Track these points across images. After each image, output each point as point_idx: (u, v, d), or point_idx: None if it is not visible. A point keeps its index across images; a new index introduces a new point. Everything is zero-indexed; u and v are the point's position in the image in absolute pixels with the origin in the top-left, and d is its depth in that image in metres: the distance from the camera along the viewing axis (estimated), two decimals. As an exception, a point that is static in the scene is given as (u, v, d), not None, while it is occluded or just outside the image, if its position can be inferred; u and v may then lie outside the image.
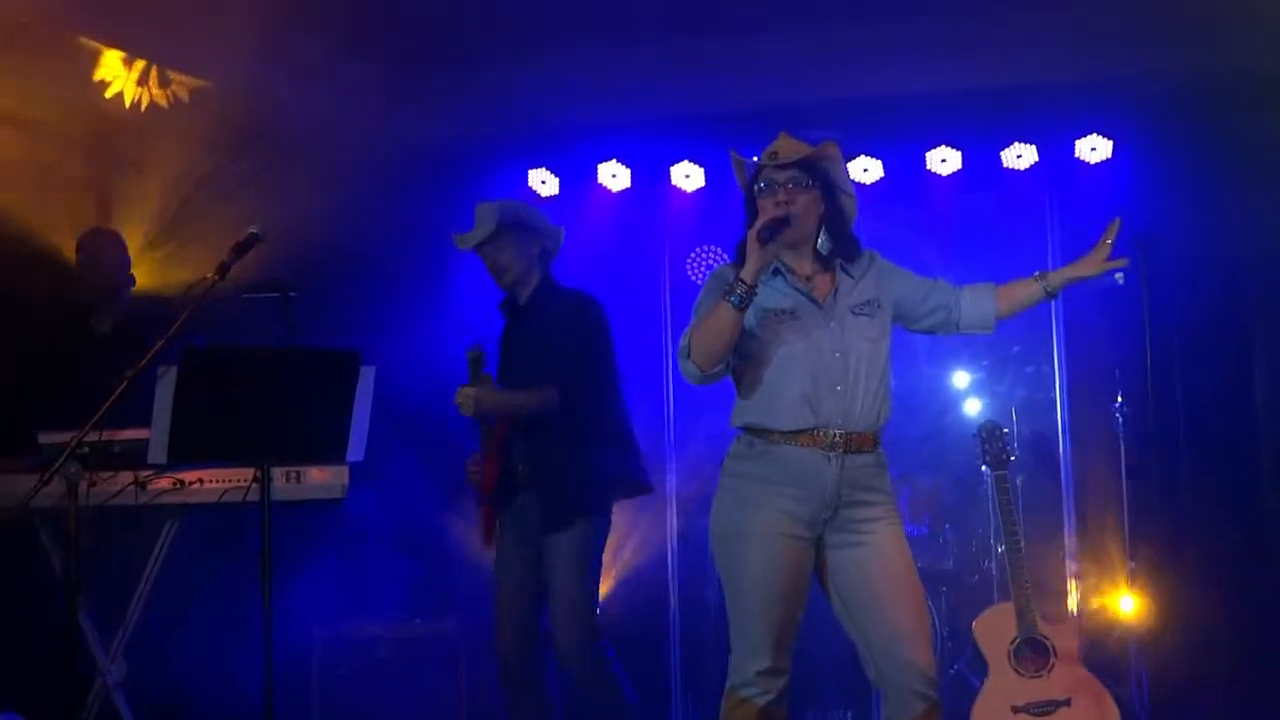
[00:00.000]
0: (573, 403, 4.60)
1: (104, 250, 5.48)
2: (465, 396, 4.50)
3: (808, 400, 3.62)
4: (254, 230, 4.36)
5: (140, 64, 5.76)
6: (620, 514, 4.89)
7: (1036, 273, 3.83)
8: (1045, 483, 6.13)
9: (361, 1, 5.50)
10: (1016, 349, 6.54)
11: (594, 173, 6.56)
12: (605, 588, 5.41)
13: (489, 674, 5.75)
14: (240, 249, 4.31)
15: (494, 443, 4.65)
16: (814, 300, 3.70)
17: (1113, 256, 3.75)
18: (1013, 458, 4.89)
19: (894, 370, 3.75)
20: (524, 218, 4.80)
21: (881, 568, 3.64)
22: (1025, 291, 3.83)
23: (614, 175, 6.55)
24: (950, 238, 6.28)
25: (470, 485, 4.75)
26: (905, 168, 6.40)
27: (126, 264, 5.53)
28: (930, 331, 3.91)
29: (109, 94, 5.75)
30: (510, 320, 4.87)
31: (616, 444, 4.79)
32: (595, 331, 4.77)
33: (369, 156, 6.30)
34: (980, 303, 3.83)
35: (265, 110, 5.74)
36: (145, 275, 5.73)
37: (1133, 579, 5.44)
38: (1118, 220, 3.73)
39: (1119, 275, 3.77)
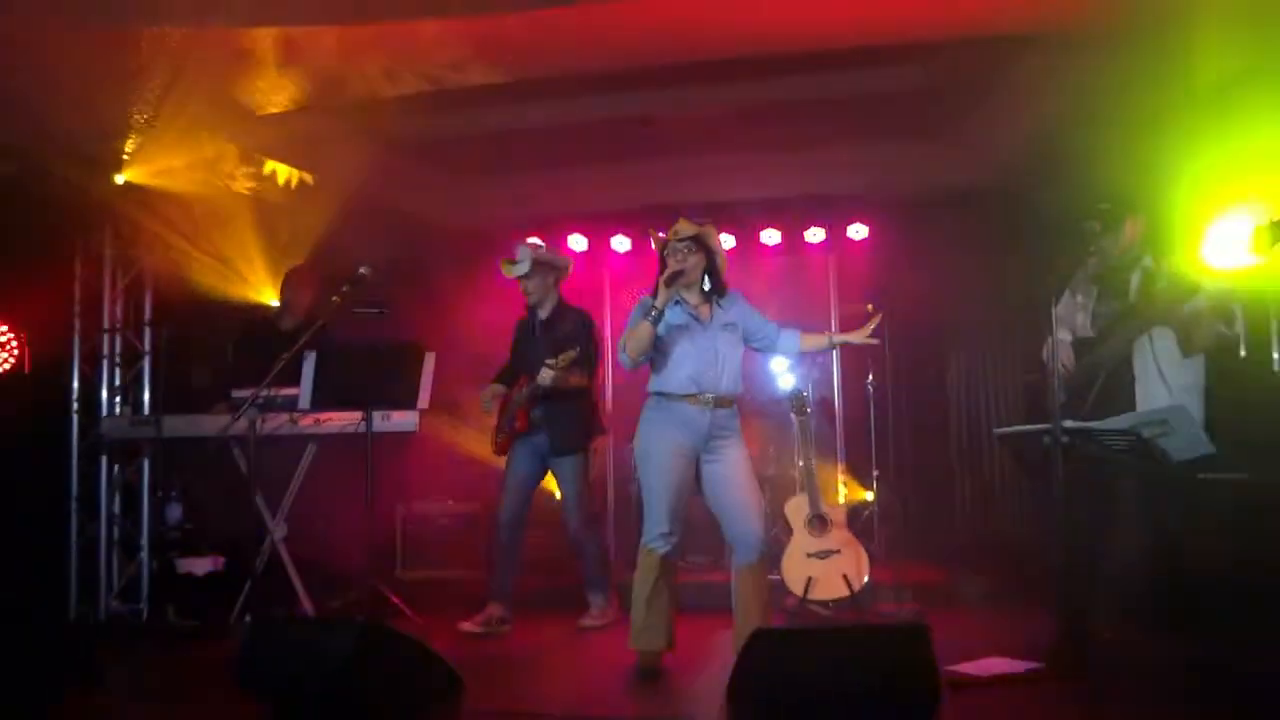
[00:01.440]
0: (588, 380, 4.55)
1: (301, 283, 5.22)
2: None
3: (693, 378, 3.68)
4: (363, 270, 4.35)
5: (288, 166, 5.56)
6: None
7: (827, 333, 3.91)
8: (827, 426, 6.19)
9: (433, 132, 5.31)
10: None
11: (565, 240, 6.57)
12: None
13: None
14: (355, 282, 4.30)
15: (528, 403, 4.53)
16: (699, 320, 3.76)
17: (869, 304, 3.90)
18: (809, 410, 4.91)
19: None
20: (548, 258, 4.68)
21: (733, 474, 3.72)
22: (818, 341, 3.89)
23: (577, 242, 6.58)
24: (774, 284, 6.30)
25: (506, 426, 4.61)
26: (747, 240, 6.40)
27: (312, 291, 5.23)
28: (757, 350, 3.94)
29: (281, 181, 5.48)
30: (533, 328, 4.68)
31: (595, 404, 4.75)
32: (595, 335, 4.68)
33: (431, 231, 6.28)
34: (790, 341, 3.88)
35: (368, 199, 5.65)
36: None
37: (876, 480, 5.53)
38: (880, 315, 3.77)
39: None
